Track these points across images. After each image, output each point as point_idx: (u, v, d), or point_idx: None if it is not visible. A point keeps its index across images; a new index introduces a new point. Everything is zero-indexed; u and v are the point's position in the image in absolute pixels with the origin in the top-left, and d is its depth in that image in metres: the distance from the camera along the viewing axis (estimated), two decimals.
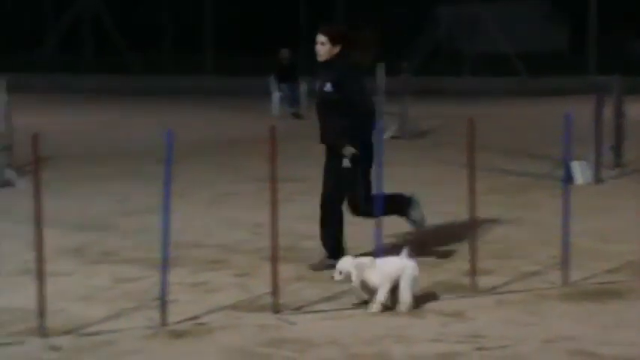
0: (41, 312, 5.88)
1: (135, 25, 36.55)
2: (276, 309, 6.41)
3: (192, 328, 6.11)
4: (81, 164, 14.28)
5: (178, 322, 6.19)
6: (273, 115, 22.06)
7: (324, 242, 7.80)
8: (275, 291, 6.44)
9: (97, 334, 5.99)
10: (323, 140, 7.73)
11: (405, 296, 6.48)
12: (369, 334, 6.00)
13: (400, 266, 6.54)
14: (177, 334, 5.99)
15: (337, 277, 6.57)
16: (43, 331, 5.85)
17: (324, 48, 7.60)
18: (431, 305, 6.64)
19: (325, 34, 7.60)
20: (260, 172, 13.29)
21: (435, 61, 33.84)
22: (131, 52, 33.81)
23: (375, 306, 6.46)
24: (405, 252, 6.61)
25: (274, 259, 6.47)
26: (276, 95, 22.91)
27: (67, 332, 5.96)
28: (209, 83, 31.25)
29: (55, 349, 5.68)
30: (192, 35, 36.08)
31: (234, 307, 6.61)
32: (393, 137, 17.04)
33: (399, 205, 7.87)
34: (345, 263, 6.58)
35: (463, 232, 8.40)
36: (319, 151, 7.94)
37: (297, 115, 22.10)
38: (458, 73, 33.25)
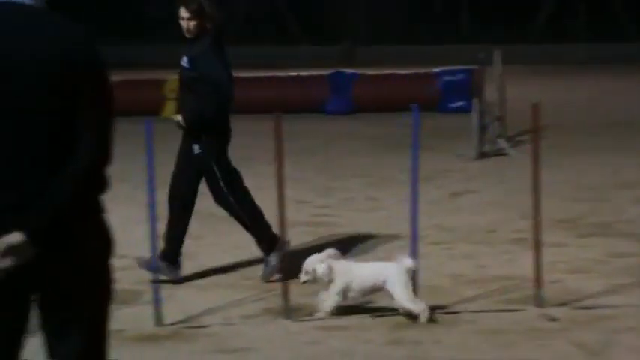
0: (538, 282, 5.88)
1: None
2: None
3: None
4: (573, 135, 14.13)
5: None
6: None
7: (167, 241, 6.72)
8: None
9: (593, 307, 5.88)
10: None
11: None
12: None
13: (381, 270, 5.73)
14: None
15: (303, 277, 5.83)
16: (539, 301, 5.85)
17: (191, 23, 6.61)
18: None
19: (189, 8, 6.60)
20: None
21: None
22: (627, 17, 32.76)
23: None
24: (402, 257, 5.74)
25: None
26: None
27: (563, 304, 5.92)
28: None
29: (551, 319, 5.65)
30: None
31: None
32: None
33: (266, 239, 6.73)
34: (313, 261, 5.80)
35: None
36: None
37: None
38: None
